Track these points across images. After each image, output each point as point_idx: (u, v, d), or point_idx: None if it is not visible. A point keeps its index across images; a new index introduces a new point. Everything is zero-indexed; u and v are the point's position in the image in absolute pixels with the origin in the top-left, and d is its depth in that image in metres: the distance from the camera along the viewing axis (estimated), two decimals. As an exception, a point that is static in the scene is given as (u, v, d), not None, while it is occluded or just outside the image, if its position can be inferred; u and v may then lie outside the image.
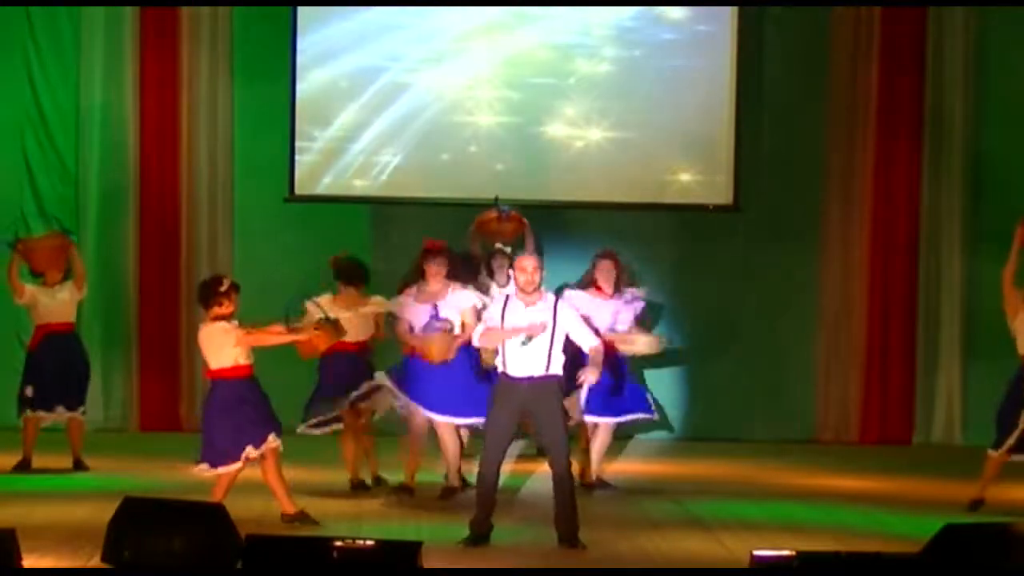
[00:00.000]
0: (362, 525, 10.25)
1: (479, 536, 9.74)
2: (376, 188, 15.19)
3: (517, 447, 14.10)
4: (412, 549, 7.78)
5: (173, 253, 15.30)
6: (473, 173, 15.15)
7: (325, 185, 15.18)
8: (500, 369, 9.80)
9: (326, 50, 15.09)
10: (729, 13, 15.14)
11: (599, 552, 9.64)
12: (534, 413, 9.72)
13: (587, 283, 12.04)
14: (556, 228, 15.26)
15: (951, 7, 15.44)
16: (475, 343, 10.15)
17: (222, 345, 10.01)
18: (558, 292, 11.15)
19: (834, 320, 15.57)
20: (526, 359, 9.61)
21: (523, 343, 9.61)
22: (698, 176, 15.29)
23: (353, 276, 11.83)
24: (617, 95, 15.21)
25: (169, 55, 15.24)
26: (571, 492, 9.73)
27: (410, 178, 15.15)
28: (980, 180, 15.53)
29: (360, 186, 15.20)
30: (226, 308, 10.03)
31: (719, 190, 15.25)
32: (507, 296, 9.85)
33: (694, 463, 13.66)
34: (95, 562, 8.55)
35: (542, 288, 9.80)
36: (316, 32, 15.08)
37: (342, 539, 7.88)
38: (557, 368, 9.68)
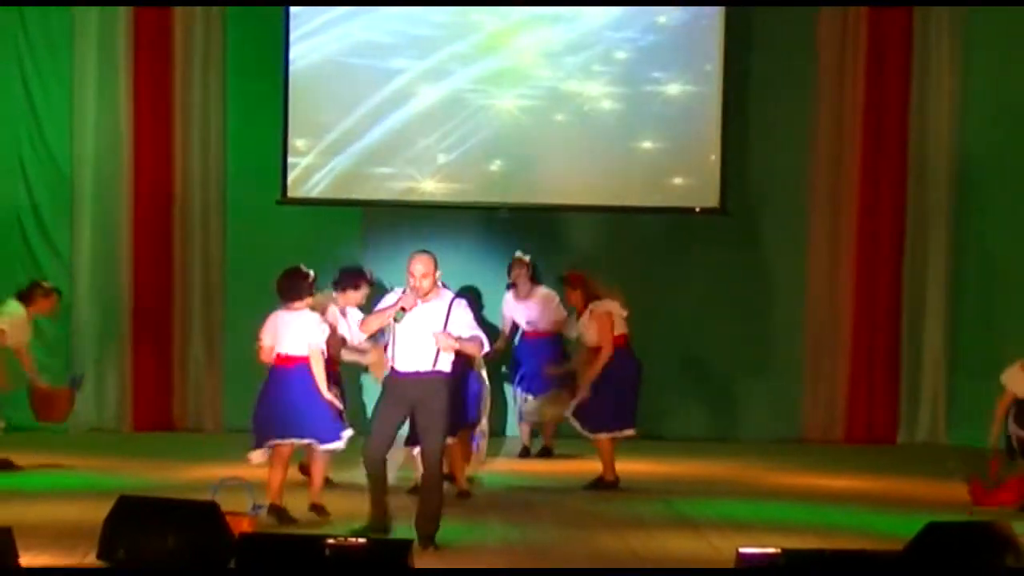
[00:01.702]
0: (356, 524, 10.28)
1: (377, 526, 9.68)
2: (368, 191, 15.23)
3: (512, 447, 14.24)
4: (403, 547, 7.88)
5: (166, 254, 15.33)
6: (465, 177, 15.20)
7: (317, 188, 15.22)
8: (389, 364, 9.72)
9: (320, 52, 15.11)
10: (717, 16, 15.18)
11: (588, 551, 9.70)
12: (418, 408, 9.60)
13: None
14: (546, 230, 15.34)
15: (938, 7, 15.48)
16: (359, 331, 10.17)
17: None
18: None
19: (820, 321, 15.63)
20: (413, 355, 9.54)
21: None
22: (685, 179, 15.34)
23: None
24: (606, 100, 15.25)
25: (162, 56, 15.27)
26: (436, 491, 9.60)
27: (402, 181, 15.20)
28: (965, 183, 15.56)
29: (352, 189, 15.24)
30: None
31: (706, 193, 15.30)
32: (404, 290, 9.60)
33: (682, 462, 13.70)
34: (90, 560, 8.64)
35: (439, 286, 9.65)
36: (309, 34, 15.10)
37: (334, 537, 7.99)
38: (445, 365, 9.56)
